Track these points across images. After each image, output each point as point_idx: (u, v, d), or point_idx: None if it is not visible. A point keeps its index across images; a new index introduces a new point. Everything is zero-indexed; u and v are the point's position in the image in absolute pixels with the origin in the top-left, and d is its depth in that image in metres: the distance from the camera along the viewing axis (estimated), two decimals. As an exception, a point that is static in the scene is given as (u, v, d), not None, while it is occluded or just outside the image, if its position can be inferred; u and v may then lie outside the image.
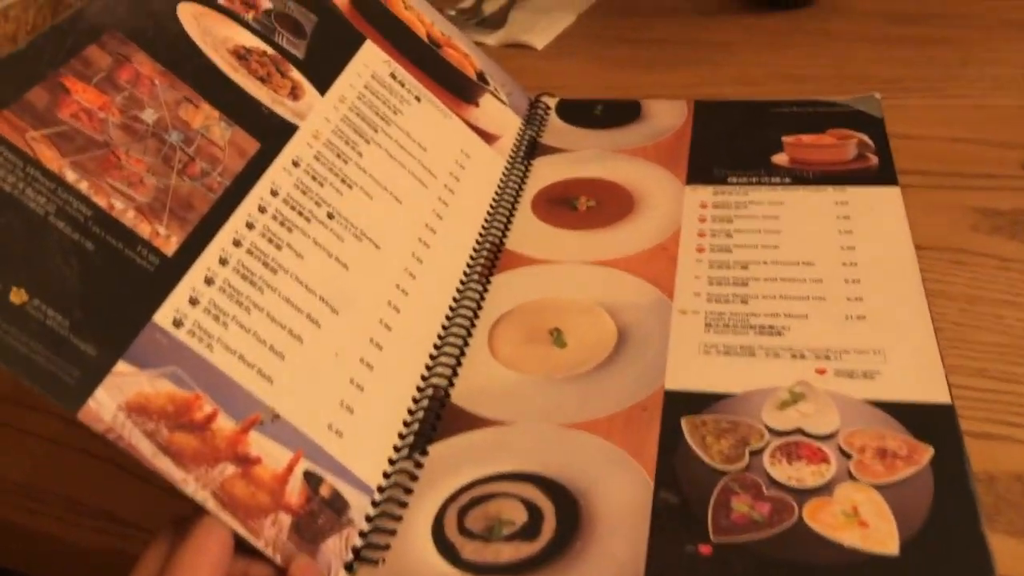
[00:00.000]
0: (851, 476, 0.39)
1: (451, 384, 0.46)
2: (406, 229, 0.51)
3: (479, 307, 0.51)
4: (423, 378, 0.46)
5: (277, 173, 0.46)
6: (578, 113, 0.69)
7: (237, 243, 0.42)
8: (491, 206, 0.58)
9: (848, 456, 0.40)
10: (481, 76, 0.65)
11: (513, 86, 0.69)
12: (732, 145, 0.64)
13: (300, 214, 0.45)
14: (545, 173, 0.63)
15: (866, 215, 0.55)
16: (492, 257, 0.54)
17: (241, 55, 0.48)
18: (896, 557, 0.36)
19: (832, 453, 0.40)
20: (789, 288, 0.51)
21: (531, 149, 0.65)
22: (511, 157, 0.63)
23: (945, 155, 0.61)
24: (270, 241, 0.43)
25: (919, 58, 0.73)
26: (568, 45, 0.84)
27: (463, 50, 0.65)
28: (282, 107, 0.49)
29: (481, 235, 0.56)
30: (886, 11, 0.82)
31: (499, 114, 0.65)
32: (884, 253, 0.52)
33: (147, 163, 0.40)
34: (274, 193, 0.45)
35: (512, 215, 0.58)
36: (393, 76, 0.58)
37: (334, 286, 0.44)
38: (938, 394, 0.43)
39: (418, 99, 0.58)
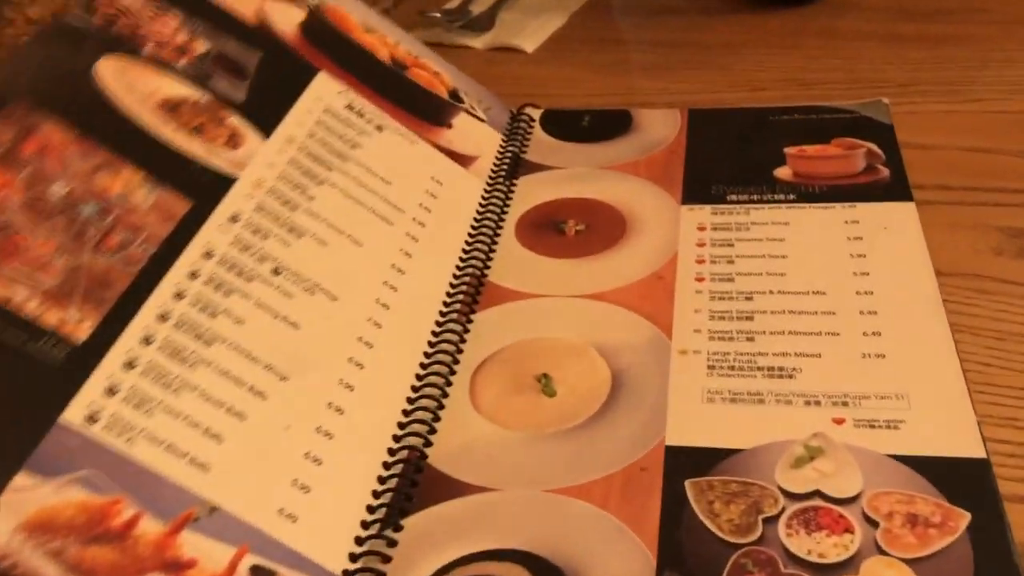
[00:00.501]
0: (879, 549, 0.35)
1: (428, 443, 0.42)
2: (368, 274, 0.47)
3: (459, 351, 0.46)
4: (396, 438, 0.41)
5: (211, 233, 0.42)
6: (564, 125, 0.65)
7: (163, 317, 0.38)
8: (470, 235, 0.53)
9: (874, 524, 0.36)
10: (454, 94, 0.61)
11: (493, 100, 0.65)
12: (730, 158, 0.59)
13: (239, 274, 0.41)
14: (530, 194, 0.58)
15: (879, 235, 0.51)
16: (473, 292, 0.50)
17: (171, 107, 0.44)
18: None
19: (856, 521, 0.36)
20: (799, 323, 0.46)
21: (514, 167, 0.60)
22: (491, 178, 0.58)
23: (963, 167, 0.57)
24: (203, 309, 0.39)
25: (933, 59, 0.69)
26: (559, 48, 0.79)
27: (433, 68, 0.61)
28: (218, 159, 0.44)
29: (459, 268, 0.51)
30: (897, 6, 0.77)
31: (476, 133, 0.60)
32: (902, 279, 0.48)
33: (56, 243, 0.37)
34: (208, 255, 0.41)
35: (494, 243, 0.54)
36: (350, 107, 0.53)
37: (282, 350, 0.40)
38: (971, 447, 0.38)
39: (380, 128, 0.54)
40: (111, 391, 0.35)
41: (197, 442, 0.35)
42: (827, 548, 0.35)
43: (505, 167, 0.59)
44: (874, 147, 0.58)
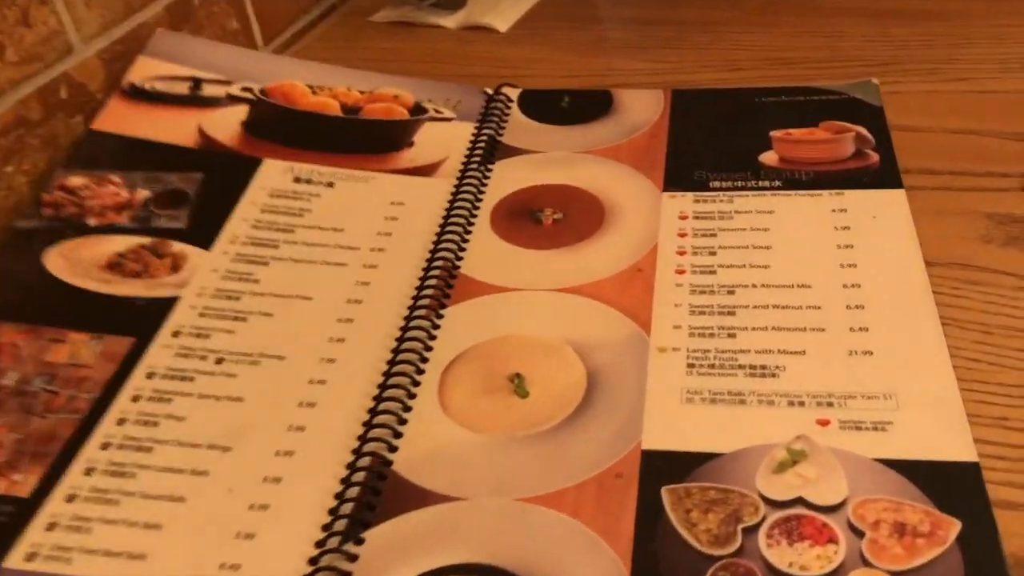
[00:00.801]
0: (864, 560, 0.33)
1: (393, 449, 0.40)
2: (320, 320, 0.46)
3: (428, 348, 0.44)
4: (358, 447, 0.39)
5: (154, 355, 0.44)
6: (543, 106, 0.62)
7: (105, 446, 0.40)
8: (439, 227, 0.51)
9: (860, 534, 0.34)
10: (417, 108, 0.61)
11: (464, 91, 0.62)
12: (714, 142, 0.57)
13: (182, 379, 0.43)
14: (506, 180, 0.56)
15: (868, 225, 0.49)
16: (444, 286, 0.48)
17: (114, 264, 0.48)
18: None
19: (840, 530, 0.34)
20: (783, 318, 0.44)
21: (490, 151, 0.58)
22: (463, 165, 0.56)
23: (950, 150, 0.55)
24: (145, 423, 0.41)
25: (916, 35, 0.67)
26: (534, 27, 0.77)
27: (391, 94, 0.61)
28: (161, 288, 0.47)
29: (429, 260, 0.49)
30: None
31: (443, 135, 0.59)
32: (890, 272, 0.46)
33: (7, 424, 0.40)
34: (150, 376, 0.43)
35: (468, 232, 0.51)
36: (298, 179, 0.55)
37: (225, 426, 0.41)
38: (961, 450, 0.37)
39: (330, 184, 0.55)
40: (51, 526, 0.37)
41: (135, 537, 0.36)
42: (810, 560, 0.33)
43: (479, 152, 0.57)
44: (863, 131, 0.56)
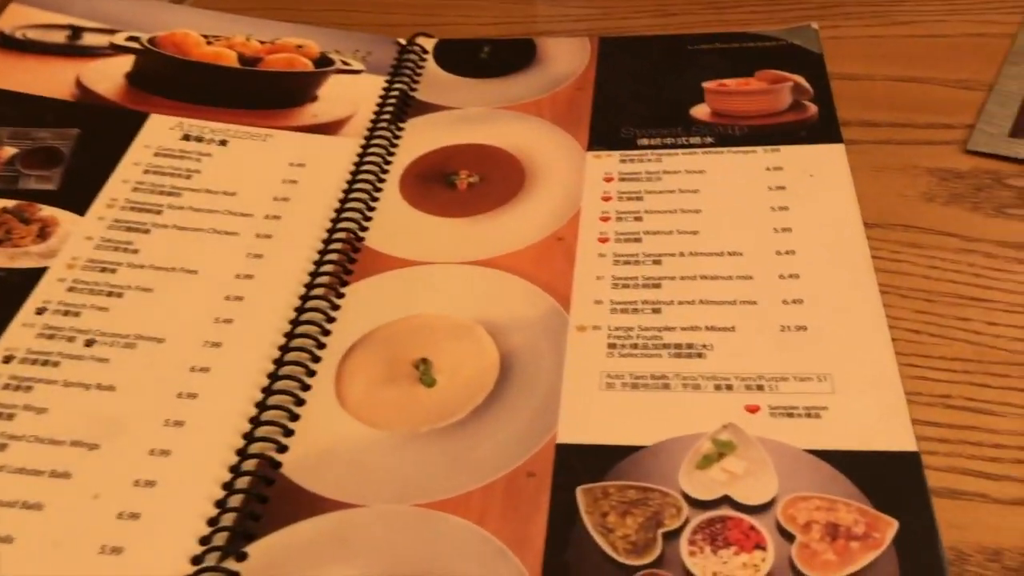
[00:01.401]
0: (793, 568, 0.30)
1: (283, 449, 0.36)
2: (206, 296, 0.42)
3: (325, 333, 0.40)
4: (242, 448, 0.35)
5: (13, 336, 0.40)
6: (461, 57, 0.58)
7: None
8: (343, 192, 0.47)
9: (790, 537, 0.31)
10: (322, 59, 0.55)
11: (375, 41, 0.57)
12: (643, 95, 0.53)
13: (45, 364, 0.38)
14: (419, 140, 0.51)
15: (805, 184, 0.46)
16: (346, 259, 0.43)
17: None
18: None
19: (769, 534, 0.31)
20: (712, 290, 0.41)
21: (402, 107, 0.53)
22: (372, 123, 0.51)
23: (892, 99, 0.51)
24: None
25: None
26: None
27: (294, 44, 0.56)
28: (25, 258, 0.43)
29: (330, 230, 0.45)
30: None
31: (350, 90, 0.54)
32: (827, 236, 0.43)
33: None
34: (7, 360, 0.38)
35: (374, 200, 0.47)
36: (187, 137, 0.50)
37: (93, 420, 0.37)
38: (899, 439, 0.34)
39: (223, 143, 0.50)
40: None
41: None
42: (735, 569, 0.30)
43: (390, 109, 0.52)
44: (802, 80, 0.52)
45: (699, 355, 0.38)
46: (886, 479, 0.32)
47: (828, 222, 0.43)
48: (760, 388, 0.36)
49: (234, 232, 0.45)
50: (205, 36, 0.56)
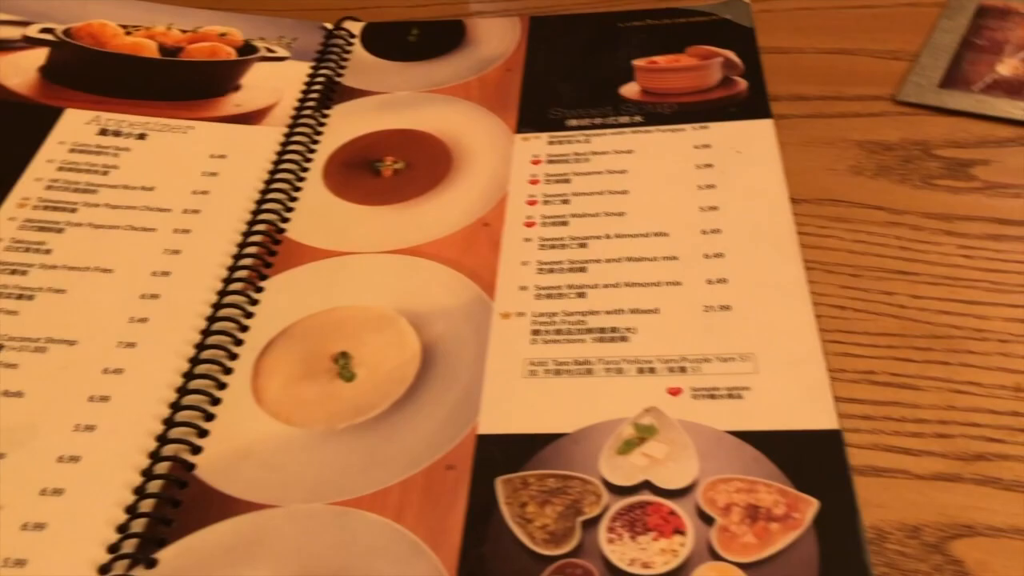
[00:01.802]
0: (712, 552, 0.30)
1: (197, 450, 0.35)
2: (121, 295, 0.41)
3: (243, 328, 0.39)
4: (154, 451, 0.34)
5: None
6: (388, 41, 0.56)
7: None
8: (265, 183, 0.46)
9: (709, 521, 0.31)
10: (246, 47, 0.54)
11: (301, 27, 0.56)
12: (573, 76, 0.52)
13: None
14: (344, 127, 0.50)
15: (732, 161, 0.45)
16: (266, 252, 0.42)
17: None
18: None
19: (688, 518, 0.31)
20: (637, 272, 0.40)
21: (327, 94, 0.52)
22: (295, 111, 0.50)
23: (821, 72, 0.51)
24: None
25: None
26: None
27: (216, 32, 0.54)
28: None
29: (250, 222, 0.43)
30: None
31: (274, 77, 0.53)
32: (754, 214, 0.42)
33: None
34: None
35: (296, 190, 0.46)
36: (104, 131, 0.48)
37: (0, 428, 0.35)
38: (821, 417, 0.33)
39: (142, 136, 0.48)
40: None
41: None
42: (653, 555, 0.30)
43: (315, 96, 0.51)
44: (732, 55, 0.51)
45: (623, 339, 0.37)
46: (807, 458, 0.32)
47: (754, 199, 0.43)
48: (683, 370, 0.36)
49: (151, 228, 0.44)
50: (124, 26, 0.55)
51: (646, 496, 0.32)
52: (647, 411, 0.34)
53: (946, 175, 0.44)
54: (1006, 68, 0.49)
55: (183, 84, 0.53)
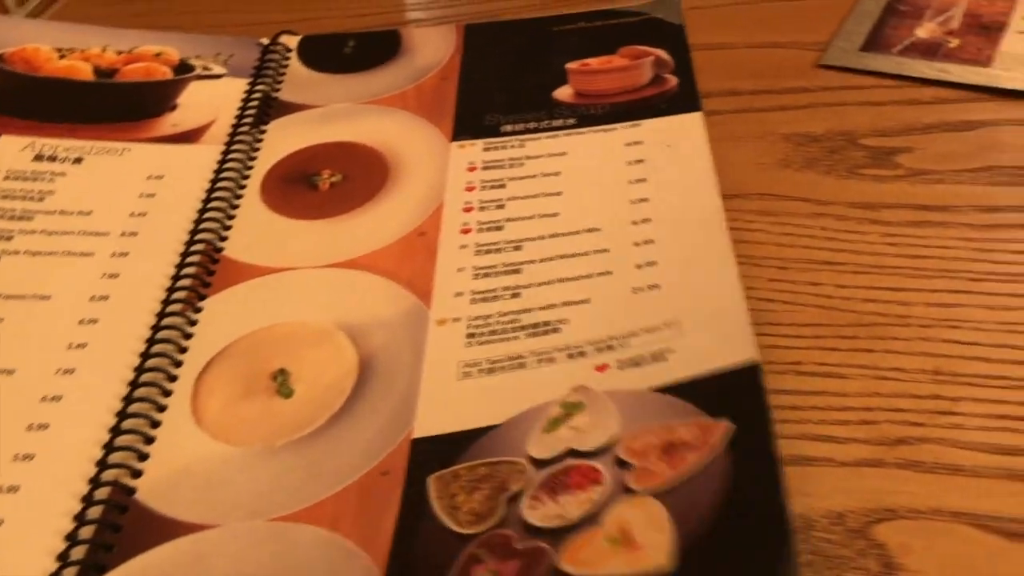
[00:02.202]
0: (627, 491, 0.31)
1: (138, 474, 0.35)
2: (58, 323, 0.41)
3: (182, 350, 0.39)
4: (94, 477, 0.35)
5: None
6: (325, 53, 0.57)
7: None
8: (203, 202, 0.46)
9: (627, 466, 0.31)
10: (182, 66, 0.54)
11: (238, 43, 0.56)
12: (508, 82, 0.53)
13: None
14: (281, 142, 0.50)
15: (662, 155, 0.46)
16: (204, 272, 0.43)
17: None
18: (670, 573, 0.28)
19: (606, 469, 0.32)
20: (570, 267, 0.41)
21: (264, 109, 0.52)
22: (232, 128, 0.50)
23: (752, 67, 0.52)
24: None
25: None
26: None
27: (153, 52, 0.55)
28: None
29: (187, 243, 0.44)
30: None
31: (211, 95, 0.53)
32: (682, 199, 0.43)
33: None
34: None
35: (235, 206, 0.46)
36: (39, 157, 0.48)
37: None
38: (741, 352, 0.34)
39: (78, 160, 0.48)
40: None
41: None
42: (571, 509, 0.31)
43: (251, 112, 0.52)
44: (663, 53, 0.52)
45: (555, 330, 0.38)
46: (725, 391, 0.33)
47: (683, 187, 0.43)
48: (610, 348, 0.37)
49: (89, 253, 0.44)
50: (58, 50, 0.55)
51: (569, 462, 0.32)
52: (575, 390, 0.35)
53: (871, 164, 0.45)
54: (924, 31, 0.51)
55: (119, 106, 0.53)
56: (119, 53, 0.55)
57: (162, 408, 0.37)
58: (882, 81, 0.49)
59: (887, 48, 0.51)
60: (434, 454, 0.34)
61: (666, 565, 0.28)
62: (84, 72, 0.53)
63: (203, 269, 0.43)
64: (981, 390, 0.35)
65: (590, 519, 0.30)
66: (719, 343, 0.35)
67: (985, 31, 0.51)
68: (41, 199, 0.46)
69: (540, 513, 0.31)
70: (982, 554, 0.30)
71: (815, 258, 0.41)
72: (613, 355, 0.36)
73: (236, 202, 0.46)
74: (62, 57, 0.54)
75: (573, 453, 0.33)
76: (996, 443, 0.33)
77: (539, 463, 0.33)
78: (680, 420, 0.33)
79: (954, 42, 0.51)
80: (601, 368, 0.36)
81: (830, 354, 0.37)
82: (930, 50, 0.50)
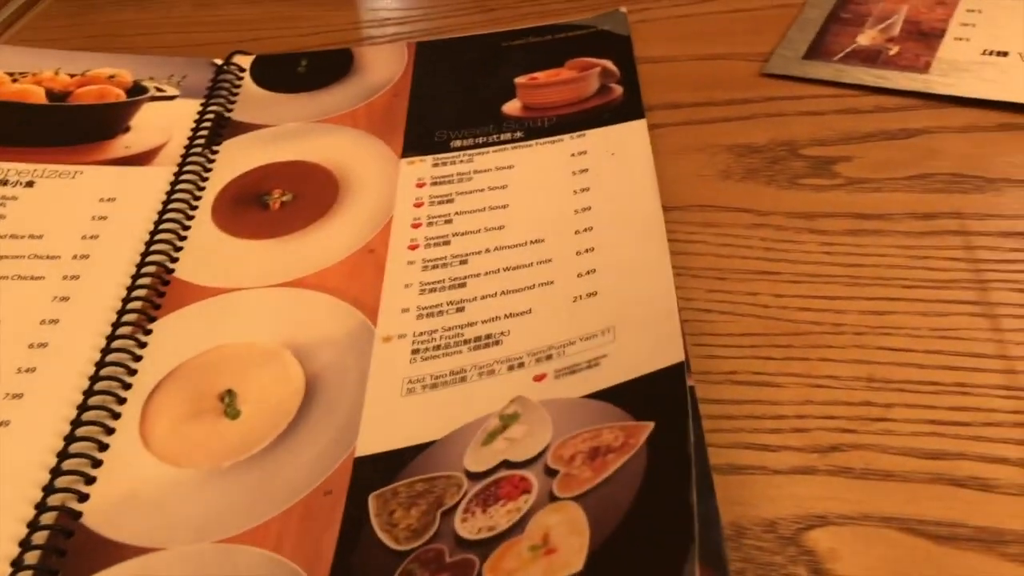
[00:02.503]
0: (552, 498, 0.31)
1: (84, 498, 0.35)
2: (6, 347, 0.41)
3: (132, 371, 0.40)
4: (47, 488, 0.35)
5: None
6: (278, 73, 0.57)
7: None
8: (152, 228, 0.46)
9: (554, 473, 0.32)
10: (135, 88, 0.55)
11: (191, 64, 0.57)
12: (458, 97, 0.53)
13: None
14: (232, 162, 0.51)
15: (605, 164, 0.47)
16: (155, 294, 0.43)
17: None
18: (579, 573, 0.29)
19: (535, 478, 0.32)
20: (514, 279, 0.42)
21: (216, 130, 0.53)
22: (184, 154, 0.51)
23: (695, 79, 0.53)
24: None
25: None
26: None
27: (106, 74, 0.55)
28: None
29: (139, 264, 0.44)
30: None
31: (165, 116, 0.53)
32: (623, 206, 0.44)
33: None
34: None
35: (186, 227, 0.47)
36: None
37: None
38: (668, 355, 0.35)
39: (30, 184, 0.49)
40: None
41: None
42: (499, 519, 0.31)
43: (204, 133, 0.52)
44: (609, 64, 0.53)
45: (496, 343, 0.39)
46: (652, 393, 0.34)
47: (625, 193, 0.44)
48: (549, 358, 0.37)
49: (40, 276, 0.44)
50: (11, 73, 0.55)
51: (501, 472, 0.33)
52: (512, 401, 0.36)
53: (811, 174, 0.46)
54: (866, 38, 0.52)
55: (72, 129, 0.53)
56: (72, 76, 0.56)
57: (111, 431, 0.38)
58: (823, 90, 0.50)
59: (829, 56, 0.52)
60: (375, 472, 0.35)
61: (579, 567, 0.29)
62: (37, 95, 0.54)
63: (154, 291, 0.43)
64: (912, 395, 0.36)
65: (517, 528, 0.31)
66: (651, 347, 0.36)
67: (924, 38, 0.53)
68: (-8, 224, 0.47)
69: (470, 526, 0.31)
70: (909, 558, 0.31)
71: (753, 268, 0.41)
72: (551, 364, 0.37)
73: (187, 223, 0.47)
74: (15, 81, 0.55)
75: (507, 464, 0.33)
76: (926, 448, 0.34)
77: (475, 476, 0.33)
78: (608, 424, 0.33)
79: (894, 49, 0.52)
80: (539, 378, 0.36)
81: (765, 363, 0.38)
82: (870, 57, 0.51)
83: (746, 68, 0.53)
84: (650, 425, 0.32)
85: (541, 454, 0.33)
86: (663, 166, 0.46)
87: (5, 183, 0.49)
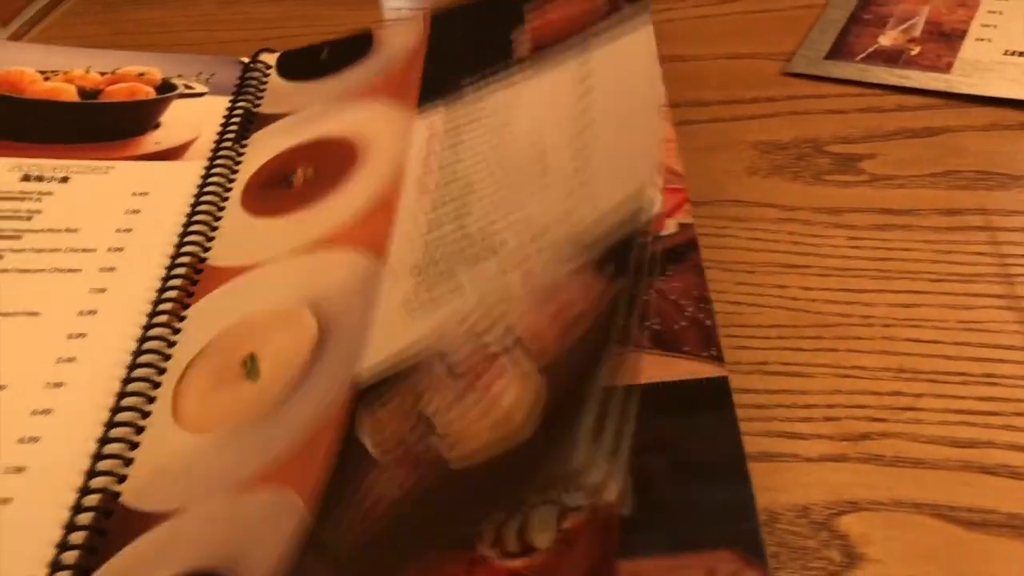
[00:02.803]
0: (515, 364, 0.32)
1: (123, 478, 0.36)
2: (47, 338, 0.42)
3: (166, 356, 0.40)
4: (83, 488, 0.36)
5: None
6: (302, 65, 0.58)
7: None
8: (187, 216, 0.47)
9: (520, 342, 0.33)
10: (165, 85, 0.55)
11: (219, 62, 0.57)
12: (471, 48, 0.53)
13: None
14: (261, 151, 0.51)
15: (611, 74, 0.45)
16: (189, 282, 0.44)
17: None
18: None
19: (504, 351, 0.33)
20: (514, 190, 0.42)
21: (245, 124, 0.53)
22: (215, 144, 0.52)
23: (721, 78, 0.53)
24: None
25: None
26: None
27: (136, 72, 0.56)
28: None
29: (173, 255, 0.45)
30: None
31: (194, 113, 0.54)
32: (626, 103, 0.42)
33: None
34: None
35: (218, 217, 0.47)
36: (26, 177, 0.49)
37: None
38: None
39: (65, 180, 0.49)
40: None
41: None
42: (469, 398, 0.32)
43: (233, 127, 0.53)
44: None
45: (494, 252, 0.39)
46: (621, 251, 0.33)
47: (628, 98, 0.43)
48: (539, 251, 0.37)
49: (77, 269, 0.45)
50: (42, 72, 0.56)
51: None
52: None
53: (836, 170, 0.46)
54: (887, 39, 0.52)
55: (103, 125, 0.54)
56: (102, 74, 0.56)
57: (146, 414, 0.38)
58: (846, 89, 0.51)
59: (851, 56, 0.52)
60: (374, 392, 0.35)
61: (525, 425, 0.29)
62: (69, 93, 0.54)
63: (188, 280, 0.44)
64: (941, 386, 0.36)
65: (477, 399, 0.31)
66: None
67: (945, 39, 0.53)
68: (29, 218, 0.47)
69: (435, 407, 0.32)
70: (941, 543, 0.32)
71: (781, 262, 0.42)
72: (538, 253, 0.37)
73: (219, 213, 0.47)
74: (47, 79, 0.55)
75: (481, 347, 0.33)
76: (955, 437, 0.35)
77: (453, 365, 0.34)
78: (579, 290, 0.33)
79: (915, 49, 0.52)
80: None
81: (795, 354, 0.38)
82: (892, 57, 0.52)
83: (769, 67, 0.53)
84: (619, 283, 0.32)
85: (512, 328, 0.33)
86: (691, 162, 0.47)
87: (41, 179, 0.49)
